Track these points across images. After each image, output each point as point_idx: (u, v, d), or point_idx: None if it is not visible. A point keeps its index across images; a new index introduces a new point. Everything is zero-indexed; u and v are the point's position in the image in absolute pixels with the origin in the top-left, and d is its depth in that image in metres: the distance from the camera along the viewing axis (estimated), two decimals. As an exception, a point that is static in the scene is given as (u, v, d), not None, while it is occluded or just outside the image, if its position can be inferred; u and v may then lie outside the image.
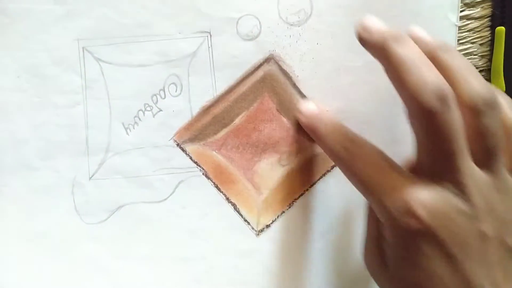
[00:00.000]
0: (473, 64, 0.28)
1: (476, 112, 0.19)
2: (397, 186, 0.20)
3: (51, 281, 0.26)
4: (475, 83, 0.20)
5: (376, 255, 0.22)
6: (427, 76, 0.18)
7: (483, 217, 0.19)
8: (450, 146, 0.19)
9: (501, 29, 0.27)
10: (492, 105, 0.20)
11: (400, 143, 0.26)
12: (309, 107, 0.25)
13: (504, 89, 0.28)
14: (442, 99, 0.18)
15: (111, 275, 0.27)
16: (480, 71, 0.28)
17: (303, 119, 0.25)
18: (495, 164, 0.20)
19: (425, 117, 0.19)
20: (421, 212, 0.19)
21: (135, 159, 0.26)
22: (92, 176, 0.26)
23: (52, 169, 0.26)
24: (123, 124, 0.26)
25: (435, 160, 0.19)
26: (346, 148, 0.22)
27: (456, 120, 0.19)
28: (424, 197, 0.19)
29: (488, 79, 0.28)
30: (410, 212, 0.19)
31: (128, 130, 0.26)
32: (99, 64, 0.26)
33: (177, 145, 0.27)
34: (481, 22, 0.28)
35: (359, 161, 0.21)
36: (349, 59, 0.26)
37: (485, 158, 0.20)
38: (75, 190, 0.26)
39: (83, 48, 0.26)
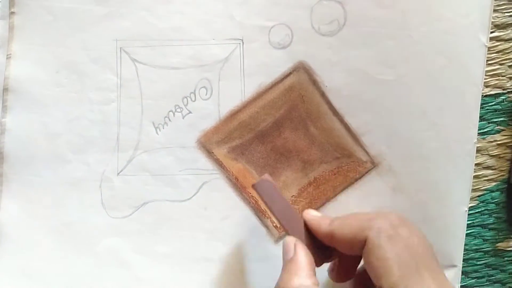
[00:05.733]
0: (500, 85, 0.28)
1: None
2: None
3: (74, 270, 0.27)
4: None
5: None
6: None
7: None
8: None
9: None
10: None
11: (426, 157, 0.27)
12: None
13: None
14: None
15: (131, 269, 0.27)
16: (508, 92, 0.28)
17: None
18: None
19: None
20: None
21: (163, 158, 0.27)
22: (120, 171, 0.27)
23: (83, 163, 0.27)
24: (153, 123, 0.27)
25: None
26: None
27: None
28: None
29: (517, 100, 0.28)
30: None
31: (158, 130, 0.27)
32: (135, 65, 0.27)
33: (203, 147, 0.27)
34: (511, 44, 0.28)
35: None
36: (380, 72, 0.26)
37: None
38: (103, 184, 0.27)
39: (120, 48, 0.27)
